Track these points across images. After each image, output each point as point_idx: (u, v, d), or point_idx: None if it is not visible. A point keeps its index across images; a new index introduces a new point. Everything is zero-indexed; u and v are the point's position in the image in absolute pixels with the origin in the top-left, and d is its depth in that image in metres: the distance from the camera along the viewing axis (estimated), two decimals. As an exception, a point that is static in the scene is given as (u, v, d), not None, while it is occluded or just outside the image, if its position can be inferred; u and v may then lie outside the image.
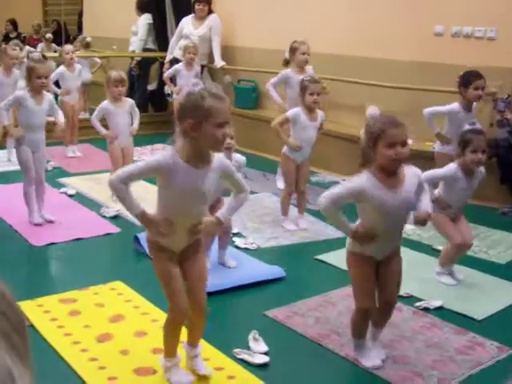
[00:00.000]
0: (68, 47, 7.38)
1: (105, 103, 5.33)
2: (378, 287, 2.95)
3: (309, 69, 5.81)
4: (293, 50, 5.77)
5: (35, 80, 4.55)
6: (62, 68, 7.12)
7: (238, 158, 4.09)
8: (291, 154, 4.85)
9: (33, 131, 4.66)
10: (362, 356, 3.01)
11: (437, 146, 4.98)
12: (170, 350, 2.79)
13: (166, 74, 7.45)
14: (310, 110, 4.75)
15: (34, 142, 4.68)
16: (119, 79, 5.23)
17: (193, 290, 2.72)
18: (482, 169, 3.89)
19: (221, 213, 2.73)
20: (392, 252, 2.92)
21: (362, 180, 2.74)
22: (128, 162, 5.52)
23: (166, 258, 2.65)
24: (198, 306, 2.73)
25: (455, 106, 4.79)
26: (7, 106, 4.75)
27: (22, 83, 6.85)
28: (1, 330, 0.68)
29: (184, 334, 2.82)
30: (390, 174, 2.74)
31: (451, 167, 3.82)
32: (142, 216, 2.57)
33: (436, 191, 3.88)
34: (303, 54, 5.73)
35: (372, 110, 2.83)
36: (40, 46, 11.22)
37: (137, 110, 5.51)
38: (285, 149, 4.89)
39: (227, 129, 2.45)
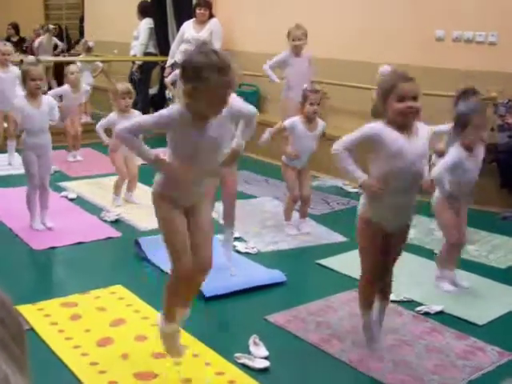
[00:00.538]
0: (73, 68, 7.25)
1: (112, 115, 5.36)
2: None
3: (307, 55, 6.05)
4: (288, 35, 6.03)
5: (30, 82, 4.56)
6: (65, 87, 7.09)
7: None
8: (289, 162, 4.88)
9: (35, 135, 4.64)
10: (368, 338, 3.07)
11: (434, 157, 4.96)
12: (169, 313, 2.72)
13: (169, 78, 7.45)
14: (309, 119, 4.78)
15: (37, 146, 4.65)
16: (126, 91, 5.30)
17: (196, 246, 2.62)
18: (482, 148, 3.85)
19: (235, 142, 2.73)
20: (402, 225, 2.91)
21: (377, 125, 2.77)
22: (132, 169, 5.54)
23: (171, 208, 2.56)
24: (203, 263, 2.64)
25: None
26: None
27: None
28: None
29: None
30: (402, 127, 2.76)
31: (454, 150, 3.73)
32: (157, 160, 2.51)
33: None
34: (293, 40, 5.93)
35: (384, 68, 2.90)
36: (39, 39, 11.16)
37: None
38: (284, 157, 4.91)
39: (229, 90, 2.42)
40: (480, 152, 3.83)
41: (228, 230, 4.14)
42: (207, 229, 2.67)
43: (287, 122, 4.81)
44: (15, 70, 6.91)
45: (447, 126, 4.56)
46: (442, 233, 4.01)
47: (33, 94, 4.62)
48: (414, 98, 2.70)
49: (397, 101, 2.69)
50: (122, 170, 5.48)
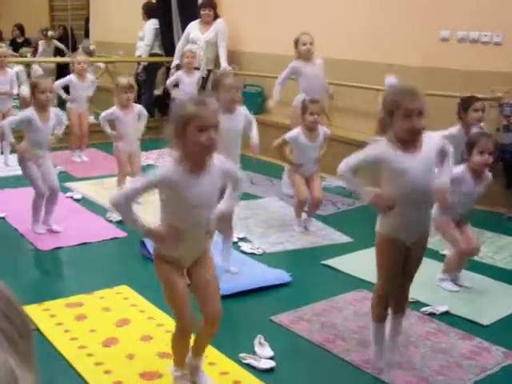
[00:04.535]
0: (80, 57, 7.25)
1: (113, 108, 5.37)
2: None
3: (318, 62, 5.88)
4: (295, 43, 5.90)
5: (39, 95, 4.51)
6: (71, 76, 7.06)
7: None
8: (296, 170, 4.93)
9: (38, 147, 4.61)
10: (375, 353, 2.99)
11: None
12: (178, 360, 2.77)
13: (168, 81, 7.45)
14: (310, 129, 4.83)
15: (38, 157, 4.64)
16: (127, 86, 5.29)
17: (204, 300, 2.66)
18: (490, 174, 3.88)
19: (219, 209, 2.69)
20: (420, 236, 2.86)
21: (380, 146, 2.75)
22: (136, 168, 5.54)
23: (171, 270, 2.60)
24: (211, 318, 2.66)
25: (455, 129, 4.72)
26: (13, 124, 4.76)
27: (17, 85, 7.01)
28: (5, 334, 0.68)
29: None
30: (406, 142, 2.73)
31: (459, 168, 3.78)
32: (148, 232, 2.55)
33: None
34: (304, 44, 5.81)
35: (390, 80, 2.84)
36: (40, 43, 11.16)
37: (145, 113, 5.57)
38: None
39: (212, 133, 2.42)
40: (485, 181, 3.85)
41: (226, 241, 4.10)
42: (212, 282, 2.69)
43: (289, 135, 4.87)
44: (12, 72, 6.96)
45: (455, 129, 4.56)
46: (451, 245, 3.99)
47: (42, 106, 4.57)
48: (420, 114, 2.67)
49: (403, 118, 2.67)
50: (123, 166, 5.47)
